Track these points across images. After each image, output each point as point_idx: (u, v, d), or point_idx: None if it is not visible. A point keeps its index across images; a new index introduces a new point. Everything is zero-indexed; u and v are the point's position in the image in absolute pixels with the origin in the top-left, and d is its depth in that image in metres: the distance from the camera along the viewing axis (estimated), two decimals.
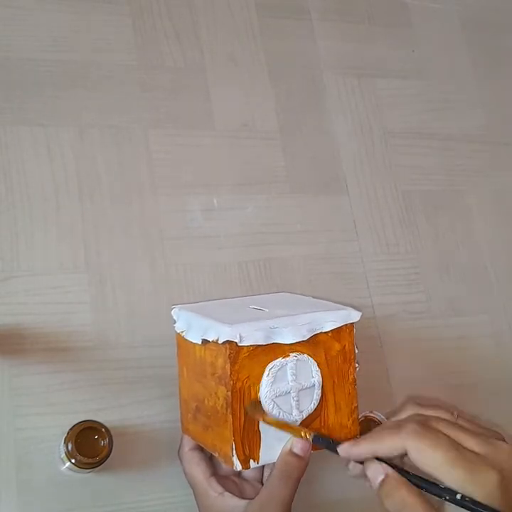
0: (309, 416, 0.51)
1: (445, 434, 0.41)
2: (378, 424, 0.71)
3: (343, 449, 0.46)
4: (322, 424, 0.52)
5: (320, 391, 0.51)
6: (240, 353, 0.47)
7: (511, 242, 0.86)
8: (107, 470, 0.59)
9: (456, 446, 0.40)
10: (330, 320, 0.52)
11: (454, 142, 0.88)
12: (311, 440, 0.48)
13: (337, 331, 0.52)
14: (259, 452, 0.49)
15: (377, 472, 0.43)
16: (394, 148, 0.85)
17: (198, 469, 0.52)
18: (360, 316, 0.54)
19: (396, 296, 0.78)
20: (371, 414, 0.70)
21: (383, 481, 0.42)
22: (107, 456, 0.56)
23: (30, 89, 0.70)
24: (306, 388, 0.51)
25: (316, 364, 0.51)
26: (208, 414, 0.51)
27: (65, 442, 0.56)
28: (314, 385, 0.51)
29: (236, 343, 0.47)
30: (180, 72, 0.78)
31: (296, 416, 0.50)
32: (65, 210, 0.67)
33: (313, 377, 0.51)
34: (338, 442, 0.47)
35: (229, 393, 0.47)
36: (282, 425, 0.49)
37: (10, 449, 0.59)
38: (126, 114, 0.73)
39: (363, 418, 0.70)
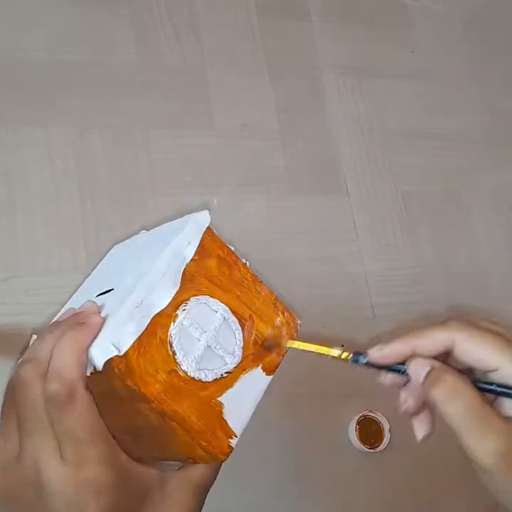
0: (244, 346, 0.43)
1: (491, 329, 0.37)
2: (378, 424, 0.71)
3: (374, 351, 0.38)
4: (262, 341, 0.44)
5: (233, 316, 0.43)
6: (129, 360, 0.37)
7: (511, 242, 0.86)
8: None
9: (510, 337, 0.36)
10: (185, 244, 0.42)
11: (453, 142, 0.88)
12: (350, 359, 0.40)
13: (201, 249, 0.42)
14: (229, 426, 0.41)
15: (420, 366, 0.37)
16: (394, 149, 0.85)
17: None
18: (208, 214, 0.44)
19: (396, 296, 0.78)
20: (371, 414, 0.71)
21: (428, 372, 0.37)
22: None
23: (31, 89, 0.70)
24: (220, 327, 0.42)
25: (208, 296, 0.42)
26: (150, 434, 0.42)
27: None
28: (224, 317, 0.42)
29: (116, 356, 0.37)
30: (180, 73, 0.78)
31: (232, 361, 0.42)
32: (66, 210, 0.68)
33: (215, 310, 0.42)
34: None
35: (153, 404, 0.38)
36: (314, 348, 0.41)
37: None
38: (126, 115, 0.73)
39: (362, 418, 0.71)
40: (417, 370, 0.37)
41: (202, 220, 0.44)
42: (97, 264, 0.54)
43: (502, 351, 0.35)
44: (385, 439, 0.70)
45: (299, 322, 0.45)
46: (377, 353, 0.38)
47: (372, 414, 0.71)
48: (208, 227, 0.44)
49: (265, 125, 0.79)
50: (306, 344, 0.42)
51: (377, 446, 0.70)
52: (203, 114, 0.77)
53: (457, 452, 0.34)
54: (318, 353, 0.41)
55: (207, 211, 0.44)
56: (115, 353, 0.37)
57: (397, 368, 0.38)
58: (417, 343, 0.37)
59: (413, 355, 0.37)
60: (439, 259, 0.82)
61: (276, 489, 0.67)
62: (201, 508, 0.40)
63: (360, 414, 0.71)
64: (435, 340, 0.37)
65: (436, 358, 0.37)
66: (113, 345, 0.37)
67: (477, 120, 0.91)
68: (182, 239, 0.42)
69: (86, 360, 0.37)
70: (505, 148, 0.91)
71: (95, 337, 0.37)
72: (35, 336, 0.41)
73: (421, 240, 0.82)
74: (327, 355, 0.41)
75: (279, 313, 0.45)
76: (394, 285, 0.78)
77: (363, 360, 0.39)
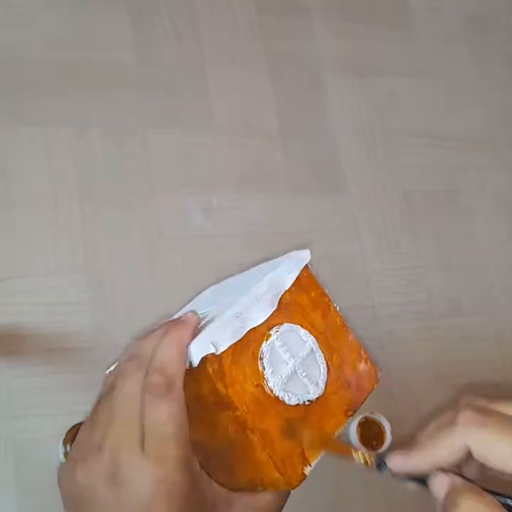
0: (328, 383, 0.43)
1: (507, 415, 0.35)
2: (379, 425, 0.70)
3: (395, 462, 0.38)
4: (345, 382, 0.45)
5: (320, 350, 0.44)
6: (223, 363, 0.39)
7: (511, 241, 0.86)
8: None
9: None
10: (286, 273, 0.44)
11: (454, 142, 0.88)
12: (374, 464, 0.40)
13: (298, 282, 0.44)
14: (305, 454, 0.42)
15: (440, 485, 0.37)
16: (394, 148, 0.84)
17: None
18: (309, 253, 0.46)
19: (397, 296, 0.77)
20: (372, 416, 0.70)
21: (447, 494, 0.36)
22: None
23: (29, 88, 0.70)
24: (307, 356, 0.44)
25: (299, 326, 0.44)
26: (224, 452, 0.42)
27: (63, 443, 0.55)
28: (312, 349, 0.44)
29: (214, 353, 0.39)
30: (179, 72, 0.77)
31: (315, 391, 0.43)
32: (64, 211, 0.67)
33: (305, 341, 0.44)
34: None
35: (238, 412, 0.39)
36: (343, 450, 0.42)
37: (8, 449, 0.58)
38: (125, 114, 0.73)
39: (363, 420, 0.70)
40: (438, 488, 0.37)
41: (303, 256, 0.46)
42: (189, 301, 0.58)
43: None
44: (386, 441, 0.70)
45: (380, 373, 0.45)
46: (399, 467, 0.38)
47: (374, 416, 0.70)
48: (307, 266, 0.46)
49: (265, 125, 0.79)
50: (333, 449, 0.42)
51: (379, 448, 0.70)
52: (202, 113, 0.77)
53: None
54: (341, 456, 0.41)
55: (308, 250, 0.46)
56: (212, 350, 0.38)
57: (421, 480, 0.38)
58: (436, 456, 0.36)
59: (435, 469, 0.37)
60: (439, 258, 0.81)
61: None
62: None
63: (362, 415, 0.70)
64: (452, 450, 0.36)
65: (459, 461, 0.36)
66: (212, 343, 0.39)
67: (479, 118, 0.90)
68: (283, 269, 0.45)
69: (186, 358, 0.38)
70: (506, 147, 0.90)
71: (195, 336, 0.39)
72: (111, 368, 0.43)
73: (422, 239, 0.81)
74: (351, 459, 0.41)
75: (363, 361, 0.46)
76: (394, 285, 0.78)
77: (384, 469, 0.39)
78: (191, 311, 0.43)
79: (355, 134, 0.83)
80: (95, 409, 0.39)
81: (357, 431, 0.70)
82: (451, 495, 0.35)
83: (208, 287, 0.61)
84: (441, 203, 0.84)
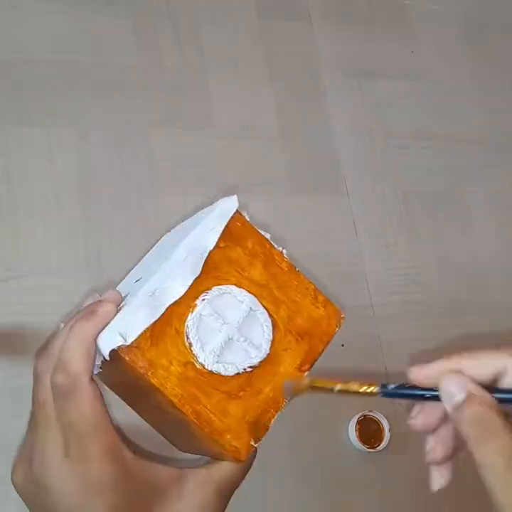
0: (275, 340, 0.39)
1: None
2: (378, 424, 0.71)
3: (416, 369, 0.34)
4: (298, 335, 0.40)
5: (261, 307, 0.39)
6: (141, 350, 0.35)
7: (510, 241, 0.86)
8: None
9: None
10: (207, 230, 0.39)
11: (453, 142, 0.88)
12: (379, 391, 0.35)
13: (228, 236, 0.39)
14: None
15: (454, 387, 0.32)
16: (393, 149, 0.85)
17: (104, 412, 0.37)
18: (236, 199, 0.41)
19: (396, 296, 0.78)
20: (370, 414, 0.71)
21: (465, 402, 0.32)
22: None
23: (32, 90, 0.70)
24: (245, 319, 0.39)
25: (233, 286, 0.39)
26: (179, 427, 0.39)
27: None
28: (251, 308, 0.39)
29: (122, 345, 0.35)
30: (180, 73, 0.78)
31: (258, 354, 0.38)
32: (66, 211, 0.68)
33: (241, 301, 0.39)
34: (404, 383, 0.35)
35: (167, 398, 0.36)
36: (338, 386, 0.36)
37: (10, 449, 0.59)
38: (127, 115, 0.73)
39: (362, 418, 0.71)
40: (450, 391, 0.32)
41: (228, 205, 0.40)
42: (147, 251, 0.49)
43: None
44: (384, 439, 0.70)
45: (343, 315, 0.41)
46: (419, 371, 0.34)
47: (372, 414, 0.71)
48: (238, 213, 0.41)
49: (265, 125, 0.80)
50: (330, 382, 0.37)
51: (377, 446, 0.70)
52: (203, 114, 0.77)
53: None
54: (343, 391, 0.36)
55: (235, 196, 0.40)
56: (120, 342, 0.35)
57: (433, 394, 0.33)
58: (465, 364, 0.33)
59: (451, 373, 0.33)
60: (438, 258, 0.82)
61: (277, 489, 0.67)
62: (224, 509, 0.38)
63: (360, 413, 0.71)
64: (487, 363, 0.33)
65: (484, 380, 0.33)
66: (120, 334, 0.35)
67: (477, 120, 0.91)
68: (204, 225, 0.39)
69: (94, 351, 0.35)
70: (505, 148, 0.91)
71: (104, 325, 0.35)
72: (62, 325, 0.40)
73: (420, 239, 0.82)
74: (352, 392, 0.36)
75: (319, 305, 0.41)
76: (394, 285, 0.78)
77: (391, 386, 0.35)
78: (115, 290, 0.38)
79: (355, 136, 0.84)
80: (31, 413, 0.38)
81: (355, 428, 0.70)
82: (470, 411, 0.31)
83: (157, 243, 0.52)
84: (439, 203, 0.85)
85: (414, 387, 0.34)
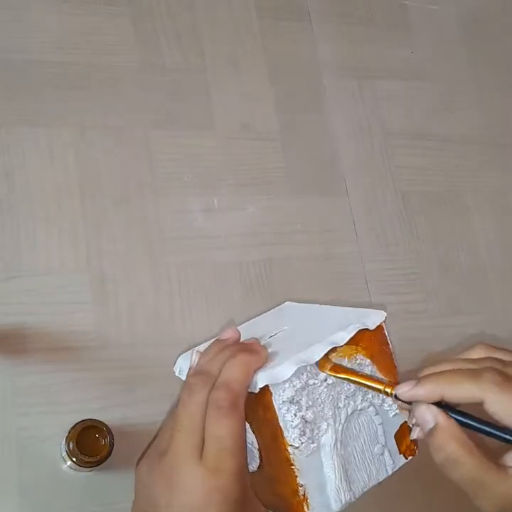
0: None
1: None
2: None
3: (404, 390, 0.39)
4: (268, 479, 0.44)
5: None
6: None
7: (510, 242, 0.86)
8: (108, 469, 0.59)
9: None
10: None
11: (452, 143, 0.89)
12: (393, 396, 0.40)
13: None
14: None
15: (427, 416, 0.37)
16: (393, 149, 0.85)
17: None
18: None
19: (395, 296, 0.78)
20: None
21: (434, 430, 0.37)
22: (108, 455, 0.56)
23: (32, 90, 0.70)
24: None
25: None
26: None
27: (66, 441, 0.56)
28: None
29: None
30: (180, 74, 0.78)
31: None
32: (67, 211, 0.68)
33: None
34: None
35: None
36: (357, 378, 0.42)
37: (12, 447, 0.59)
38: (127, 115, 0.74)
39: None
40: (424, 419, 0.37)
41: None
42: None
43: None
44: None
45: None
46: (407, 393, 0.38)
47: None
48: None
49: (265, 125, 0.80)
50: (350, 374, 0.42)
51: None
52: (203, 115, 0.77)
53: None
54: (359, 384, 0.42)
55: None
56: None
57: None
58: (448, 393, 0.37)
59: (441, 400, 0.37)
60: (438, 259, 0.82)
61: None
62: None
63: None
64: (466, 393, 0.37)
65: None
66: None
67: (477, 120, 0.91)
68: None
69: (250, 382, 0.40)
70: (505, 149, 0.91)
71: (261, 367, 0.41)
72: (197, 352, 0.46)
73: (420, 239, 0.82)
74: (369, 387, 0.42)
75: (294, 498, 0.42)
76: (394, 285, 0.78)
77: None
78: (256, 339, 0.45)
79: (354, 136, 0.84)
80: (170, 415, 0.43)
81: None
82: (436, 437, 0.37)
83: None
84: (439, 204, 0.85)
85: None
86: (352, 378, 0.42)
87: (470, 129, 0.90)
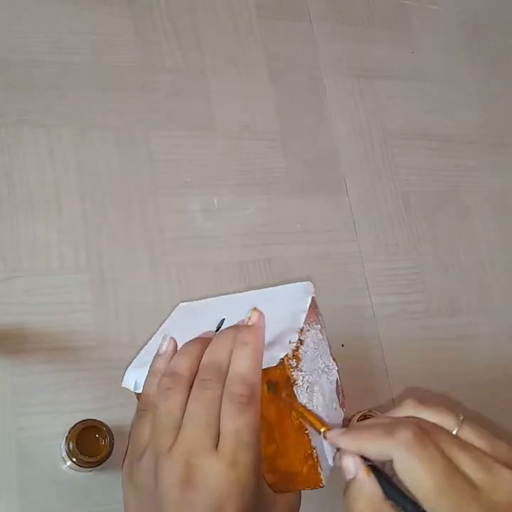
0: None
1: (441, 452, 0.35)
2: None
3: (332, 436, 0.40)
4: (272, 468, 0.44)
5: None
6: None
7: (510, 241, 0.86)
8: (108, 469, 0.59)
9: (450, 472, 0.34)
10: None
11: (453, 143, 0.89)
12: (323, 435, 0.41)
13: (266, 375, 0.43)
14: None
15: (348, 467, 0.38)
16: (393, 149, 0.85)
17: None
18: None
19: (395, 296, 0.78)
20: (370, 413, 0.71)
21: (351, 482, 0.37)
22: (108, 455, 0.56)
23: (32, 90, 0.70)
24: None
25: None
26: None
27: (66, 441, 0.56)
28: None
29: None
30: (180, 74, 0.78)
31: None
32: (67, 211, 0.68)
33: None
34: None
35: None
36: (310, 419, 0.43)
37: (11, 447, 0.59)
38: (127, 115, 0.74)
39: (361, 417, 0.71)
40: (345, 469, 0.38)
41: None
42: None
43: (434, 497, 0.34)
44: None
45: (322, 485, 0.44)
46: (332, 439, 0.39)
47: (372, 414, 0.71)
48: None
49: (265, 125, 0.80)
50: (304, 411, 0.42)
51: None
52: (203, 115, 0.77)
53: None
54: (306, 420, 0.42)
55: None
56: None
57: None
58: (362, 449, 0.37)
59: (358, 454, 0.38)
60: (438, 258, 0.82)
61: None
62: None
63: (360, 413, 0.71)
64: (378, 452, 0.37)
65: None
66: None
67: (477, 120, 0.91)
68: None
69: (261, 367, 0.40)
70: (505, 149, 0.91)
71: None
72: (169, 337, 0.45)
73: (420, 239, 0.82)
74: (312, 425, 0.42)
75: (304, 466, 0.43)
76: (394, 285, 0.78)
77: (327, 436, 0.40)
78: (257, 310, 0.43)
79: (355, 136, 0.84)
80: (154, 414, 0.41)
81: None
82: (351, 490, 0.37)
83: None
84: (439, 204, 0.85)
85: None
86: (305, 415, 0.42)
87: (470, 129, 0.90)
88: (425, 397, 0.44)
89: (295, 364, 0.41)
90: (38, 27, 0.73)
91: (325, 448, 0.42)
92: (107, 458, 0.56)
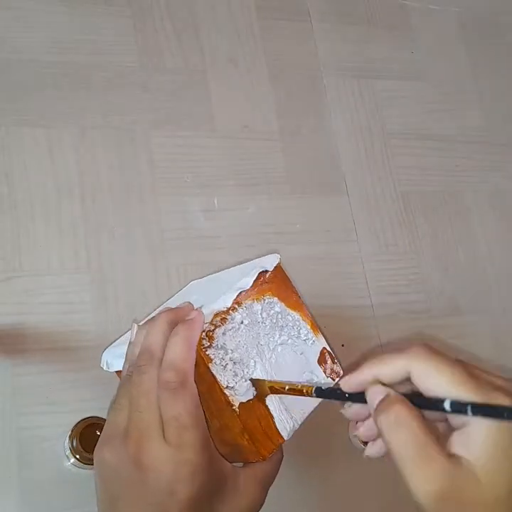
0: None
1: (456, 360, 0.36)
2: None
3: (345, 381, 0.39)
4: (223, 441, 0.45)
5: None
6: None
7: (510, 241, 0.86)
8: None
9: (468, 371, 0.35)
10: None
11: (452, 143, 0.89)
12: (314, 394, 0.42)
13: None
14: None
15: (376, 393, 0.36)
16: (393, 149, 0.85)
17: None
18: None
19: (395, 296, 0.78)
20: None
21: (382, 400, 0.36)
22: None
23: (32, 90, 0.70)
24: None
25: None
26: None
27: (69, 438, 0.56)
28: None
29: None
30: (180, 74, 0.78)
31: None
32: (67, 211, 0.68)
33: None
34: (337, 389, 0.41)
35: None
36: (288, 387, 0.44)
37: (12, 447, 0.59)
38: (127, 116, 0.74)
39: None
40: (373, 397, 0.37)
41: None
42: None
43: (455, 387, 0.34)
44: None
45: (271, 455, 0.45)
46: (346, 385, 0.39)
47: None
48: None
49: (265, 125, 0.80)
50: (282, 383, 0.44)
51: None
52: (203, 114, 0.77)
53: None
54: (290, 390, 0.43)
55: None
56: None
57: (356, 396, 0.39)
58: (379, 371, 0.37)
59: (376, 383, 0.37)
60: (438, 259, 0.82)
61: (276, 488, 0.67)
62: (264, 500, 0.45)
63: None
64: (394, 367, 0.36)
65: (402, 384, 0.37)
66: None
67: (477, 120, 0.91)
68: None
69: (194, 354, 0.41)
70: (505, 148, 0.91)
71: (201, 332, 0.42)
72: (136, 325, 0.47)
73: (421, 240, 0.82)
74: (297, 391, 0.43)
75: (244, 439, 0.44)
76: (394, 285, 0.78)
77: (324, 388, 0.41)
78: (188, 303, 0.45)
79: (355, 136, 0.84)
80: (118, 394, 0.43)
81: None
82: (383, 402, 0.36)
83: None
84: (439, 204, 0.85)
85: (340, 391, 0.39)
86: (291, 387, 0.43)
87: (470, 128, 0.90)
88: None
89: (208, 344, 0.43)
90: (38, 27, 0.73)
91: (276, 419, 0.44)
92: None
